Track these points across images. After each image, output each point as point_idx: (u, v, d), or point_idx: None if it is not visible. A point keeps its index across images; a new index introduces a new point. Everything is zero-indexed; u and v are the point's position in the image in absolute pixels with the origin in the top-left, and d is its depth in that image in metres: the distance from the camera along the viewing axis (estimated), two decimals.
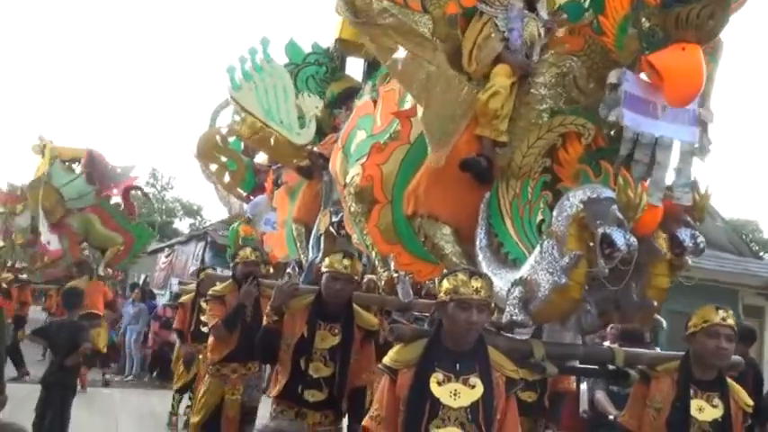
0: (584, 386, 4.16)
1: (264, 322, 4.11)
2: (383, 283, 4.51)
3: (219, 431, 5.11)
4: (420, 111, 3.56)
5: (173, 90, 66.15)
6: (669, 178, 3.27)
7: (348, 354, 3.99)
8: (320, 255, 5.16)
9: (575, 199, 3.13)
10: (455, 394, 2.86)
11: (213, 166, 7.46)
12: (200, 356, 7.58)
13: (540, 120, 3.53)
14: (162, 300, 15.05)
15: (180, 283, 11.14)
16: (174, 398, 8.62)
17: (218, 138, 7.22)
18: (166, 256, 17.32)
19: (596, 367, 3.57)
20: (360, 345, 4.07)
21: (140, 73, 64.30)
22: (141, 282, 16.09)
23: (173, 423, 8.52)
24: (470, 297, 2.88)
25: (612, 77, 3.18)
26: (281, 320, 4.05)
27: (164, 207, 36.96)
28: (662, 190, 3.11)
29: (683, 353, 3.52)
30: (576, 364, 3.54)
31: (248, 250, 5.25)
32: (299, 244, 5.66)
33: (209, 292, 5.30)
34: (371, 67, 5.98)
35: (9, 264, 11.41)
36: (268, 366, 5.84)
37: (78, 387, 6.85)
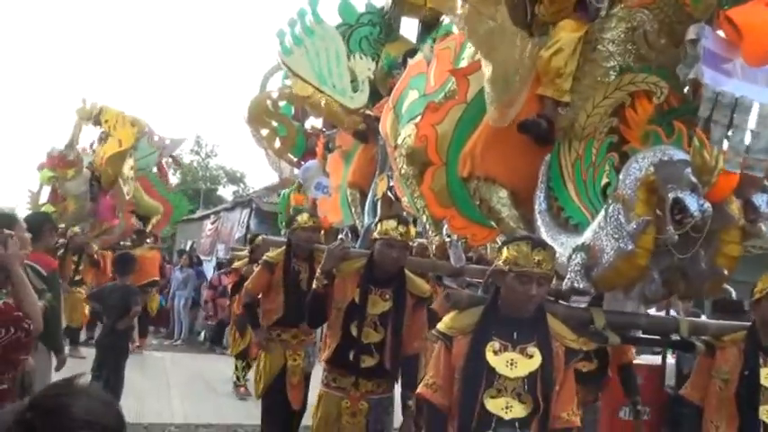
0: (670, 360, 3.96)
1: (314, 286, 4.05)
2: (434, 247, 4.41)
3: (283, 397, 5.06)
4: (485, 67, 3.41)
5: (217, 57, 66.47)
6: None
7: (400, 320, 3.91)
8: (376, 220, 5.08)
9: (644, 161, 2.99)
10: (512, 364, 2.76)
11: (264, 132, 7.39)
12: None
13: (606, 78, 3.38)
14: (209, 266, 15.27)
15: (232, 249, 11.23)
16: (236, 366, 8.59)
17: (268, 103, 7.14)
18: (212, 223, 17.50)
19: (659, 337, 3.43)
20: (411, 311, 3.98)
21: (185, 40, 64.80)
22: (188, 248, 16.30)
23: (240, 392, 8.47)
24: (531, 270, 2.76)
25: (692, 33, 3.00)
26: (331, 284, 3.98)
27: (208, 174, 37.43)
28: (741, 155, 2.93)
29: (749, 323, 3.36)
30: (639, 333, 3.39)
31: (306, 216, 5.19)
32: (353, 209, 5.58)
33: (264, 257, 5.28)
34: (426, 29, 5.82)
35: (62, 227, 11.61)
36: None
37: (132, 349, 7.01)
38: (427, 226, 4.46)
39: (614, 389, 3.62)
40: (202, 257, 15.64)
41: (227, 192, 35.81)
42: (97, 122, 11.79)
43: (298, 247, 5.10)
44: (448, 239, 4.29)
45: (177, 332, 13.51)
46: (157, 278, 11.61)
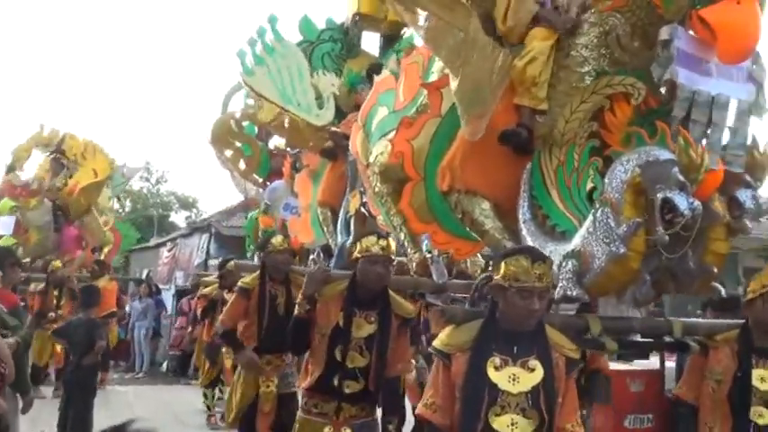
0: (670, 364, 3.92)
1: (296, 312, 3.91)
2: (415, 264, 4.32)
3: (256, 425, 4.91)
4: (453, 81, 3.36)
5: (165, 82, 65.23)
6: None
7: (385, 343, 3.78)
8: (351, 237, 4.95)
9: (630, 163, 2.98)
10: (514, 379, 2.68)
11: (228, 152, 7.24)
12: (224, 349, 7.43)
13: (581, 83, 3.38)
14: (167, 294, 14.90)
15: (198, 274, 10.93)
16: (205, 395, 8.37)
17: (232, 123, 6.98)
18: (169, 250, 17.03)
19: (653, 340, 3.40)
20: (396, 333, 3.86)
21: (132, 65, 63.34)
22: (145, 277, 15.88)
23: (212, 422, 8.24)
24: (533, 285, 2.68)
25: (664, 34, 3.04)
26: (314, 309, 3.85)
27: (159, 201, 36.68)
28: (718, 152, 2.95)
29: (742, 320, 3.36)
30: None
31: (280, 238, 5.01)
32: (325, 228, 5.46)
33: (239, 283, 5.11)
34: (388, 42, 5.76)
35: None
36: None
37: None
38: (406, 243, 4.38)
39: (620, 396, 3.57)
40: (160, 286, 15.24)
41: (179, 218, 35.11)
42: (58, 150, 11.37)
43: (273, 270, 4.94)
44: (429, 255, 4.21)
45: (138, 364, 13.11)
46: (115, 309, 11.27)
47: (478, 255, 4.27)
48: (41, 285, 9.63)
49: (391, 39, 5.77)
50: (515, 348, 2.73)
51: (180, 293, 15.62)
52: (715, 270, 3.07)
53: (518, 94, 3.48)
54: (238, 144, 7.15)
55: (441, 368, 2.83)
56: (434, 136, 3.87)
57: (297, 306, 3.91)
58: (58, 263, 9.91)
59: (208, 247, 14.17)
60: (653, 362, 3.56)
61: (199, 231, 15.04)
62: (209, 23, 61.00)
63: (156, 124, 59.95)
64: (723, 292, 3.24)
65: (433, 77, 4.14)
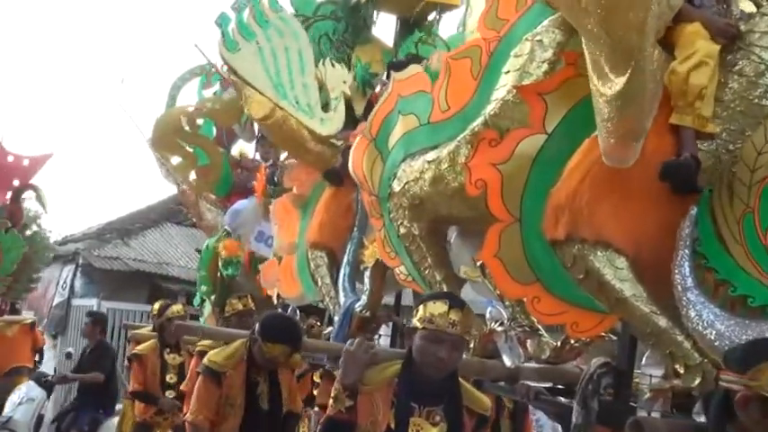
0: None
1: (331, 410, 2.88)
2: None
3: None
4: (607, 85, 2.42)
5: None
6: None
7: None
8: (365, 297, 3.80)
9: None
10: None
11: (175, 159, 5.73)
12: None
13: (766, 99, 2.57)
14: None
15: (125, 325, 8.62)
16: None
17: (183, 120, 5.49)
18: None
19: None
20: None
21: None
22: None
23: None
24: None
25: None
26: (356, 404, 2.84)
27: None
28: None
29: None
30: None
31: (278, 350, 3.67)
32: (320, 280, 4.20)
33: (205, 362, 3.85)
34: (406, 28, 4.65)
35: None
36: None
37: None
38: None
39: None
40: None
41: None
42: None
43: (260, 359, 3.78)
44: (501, 329, 3.22)
45: None
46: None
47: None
48: None
49: (412, 23, 4.66)
50: None
51: None
52: None
53: (677, 111, 2.66)
54: (190, 149, 5.66)
55: None
56: (536, 161, 2.91)
57: (333, 401, 2.85)
58: None
59: (72, 283, 12.05)
60: None
61: (60, 261, 12.34)
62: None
63: None
64: None
65: (508, 79, 3.19)
